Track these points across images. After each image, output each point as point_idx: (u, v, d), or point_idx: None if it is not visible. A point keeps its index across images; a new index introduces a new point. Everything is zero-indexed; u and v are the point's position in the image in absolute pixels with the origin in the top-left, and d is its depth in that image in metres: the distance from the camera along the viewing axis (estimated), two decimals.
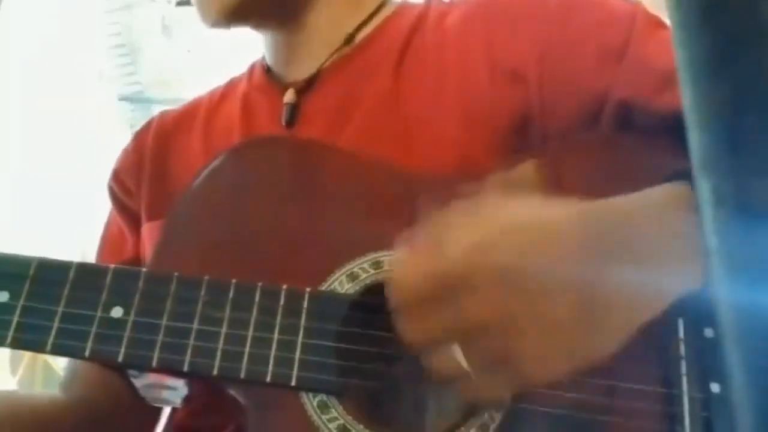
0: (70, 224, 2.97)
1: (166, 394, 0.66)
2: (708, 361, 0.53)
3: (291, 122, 0.71)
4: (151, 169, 0.77)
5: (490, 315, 0.42)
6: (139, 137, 0.81)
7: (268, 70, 0.78)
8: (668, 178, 0.51)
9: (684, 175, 0.49)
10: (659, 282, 0.46)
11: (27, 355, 2.61)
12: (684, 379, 0.53)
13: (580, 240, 0.44)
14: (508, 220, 0.45)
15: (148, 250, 0.73)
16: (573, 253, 0.44)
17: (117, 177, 0.80)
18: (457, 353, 0.43)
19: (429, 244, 0.44)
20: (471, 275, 0.42)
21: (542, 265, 0.43)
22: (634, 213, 0.48)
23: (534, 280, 0.42)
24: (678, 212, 0.47)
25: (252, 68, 0.81)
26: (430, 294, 0.43)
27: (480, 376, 0.42)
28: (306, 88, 0.72)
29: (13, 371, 2.59)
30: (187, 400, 0.64)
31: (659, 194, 0.50)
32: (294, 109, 0.71)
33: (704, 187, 0.21)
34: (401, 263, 0.45)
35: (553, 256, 0.43)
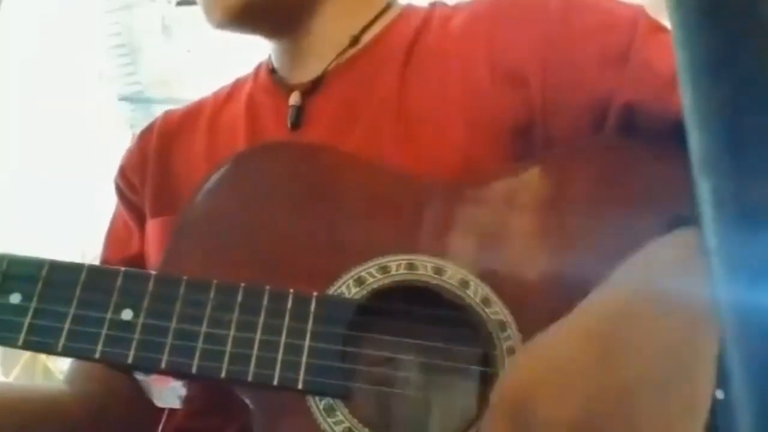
0: (70, 224, 2.97)
1: (165, 393, 0.66)
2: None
3: (296, 124, 0.71)
4: (155, 168, 0.77)
5: (579, 413, 0.41)
6: (144, 136, 0.81)
7: (273, 71, 0.78)
8: (671, 224, 0.51)
9: (688, 219, 0.49)
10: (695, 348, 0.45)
11: (24, 357, 2.61)
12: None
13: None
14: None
15: (151, 246, 0.73)
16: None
17: (123, 174, 0.81)
18: None
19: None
20: (531, 391, 0.42)
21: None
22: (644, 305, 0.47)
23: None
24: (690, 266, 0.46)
25: (258, 69, 0.81)
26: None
27: None
28: (311, 90, 0.72)
29: (6, 373, 2.59)
30: (185, 400, 0.65)
31: (669, 259, 0.49)
32: (299, 111, 0.71)
33: (704, 187, 0.21)
34: None
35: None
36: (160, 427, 0.68)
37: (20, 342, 0.54)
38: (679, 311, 0.44)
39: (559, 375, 0.42)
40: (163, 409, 0.67)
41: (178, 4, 3.18)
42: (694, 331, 0.44)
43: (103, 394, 0.73)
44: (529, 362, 0.45)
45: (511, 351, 0.55)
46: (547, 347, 0.45)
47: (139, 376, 0.66)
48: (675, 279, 0.46)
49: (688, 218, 0.50)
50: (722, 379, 0.53)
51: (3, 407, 0.67)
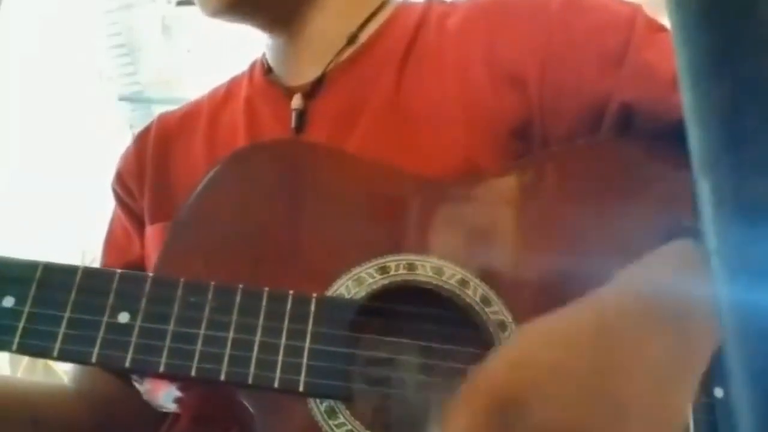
0: (70, 224, 2.97)
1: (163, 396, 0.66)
2: (711, 367, 0.53)
3: (299, 128, 0.71)
4: (153, 173, 0.76)
5: (565, 417, 0.41)
6: (141, 139, 0.81)
7: (269, 71, 0.78)
8: (671, 230, 0.51)
9: (688, 229, 0.49)
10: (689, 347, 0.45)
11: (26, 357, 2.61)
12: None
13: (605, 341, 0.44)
14: (537, 337, 0.45)
15: (151, 253, 0.73)
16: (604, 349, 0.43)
17: (120, 179, 0.80)
18: None
19: (467, 386, 0.43)
20: (522, 392, 0.41)
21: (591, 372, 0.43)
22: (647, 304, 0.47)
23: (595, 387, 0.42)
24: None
25: (252, 67, 0.80)
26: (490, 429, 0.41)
27: None
28: (312, 92, 0.72)
29: (14, 371, 2.59)
30: (183, 406, 0.64)
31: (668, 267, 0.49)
32: (301, 114, 0.71)
33: (704, 186, 0.21)
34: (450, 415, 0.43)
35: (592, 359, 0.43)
36: None
37: (14, 346, 0.53)
38: (672, 324, 0.44)
39: (552, 379, 0.42)
40: (165, 416, 0.66)
41: (178, 4, 3.17)
42: (685, 346, 0.44)
43: (108, 394, 0.73)
44: (523, 359, 0.44)
45: None
46: (542, 345, 0.44)
47: (137, 381, 0.66)
48: (671, 291, 0.46)
49: (687, 227, 0.50)
50: (722, 379, 0.53)
51: (12, 401, 0.66)
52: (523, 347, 0.45)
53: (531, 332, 0.45)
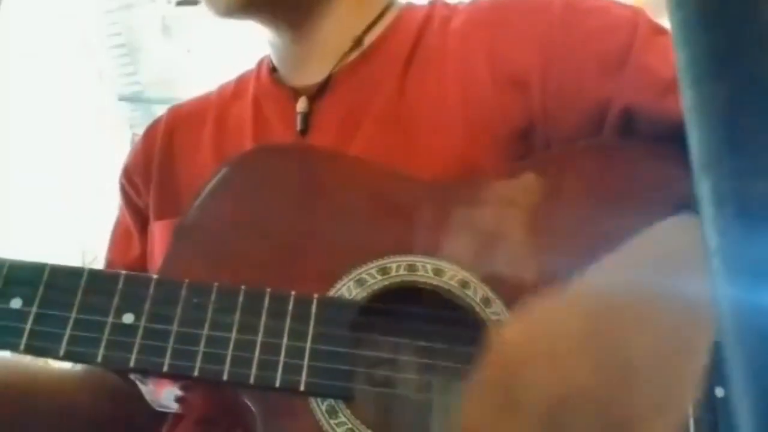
0: (70, 224, 2.97)
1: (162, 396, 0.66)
2: (712, 366, 0.53)
3: (305, 130, 0.71)
4: (160, 168, 0.77)
5: (570, 388, 0.42)
6: (150, 133, 0.81)
7: (274, 70, 0.78)
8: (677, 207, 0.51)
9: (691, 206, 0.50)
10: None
11: None
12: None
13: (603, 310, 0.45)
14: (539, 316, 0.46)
15: (156, 248, 0.73)
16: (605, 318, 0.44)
17: (126, 174, 0.80)
18: None
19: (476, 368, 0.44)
20: (525, 363, 0.43)
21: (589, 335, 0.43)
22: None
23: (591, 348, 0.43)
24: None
25: (260, 65, 0.81)
26: (500, 404, 0.43)
27: None
28: (317, 94, 0.72)
29: None
30: (185, 406, 0.64)
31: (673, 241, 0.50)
32: (306, 117, 0.71)
33: (704, 187, 0.21)
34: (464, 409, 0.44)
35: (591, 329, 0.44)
36: None
37: (22, 347, 0.53)
38: (677, 299, 0.45)
39: (556, 350, 0.43)
40: (165, 416, 0.66)
41: (178, 4, 3.17)
42: (690, 322, 0.44)
43: (117, 384, 0.73)
44: (526, 333, 0.45)
45: None
46: (546, 320, 0.45)
47: (141, 381, 0.66)
48: (677, 265, 0.47)
49: (691, 205, 0.50)
50: (722, 379, 0.53)
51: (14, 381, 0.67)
52: (525, 325, 0.46)
53: (534, 309, 0.46)
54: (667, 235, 0.50)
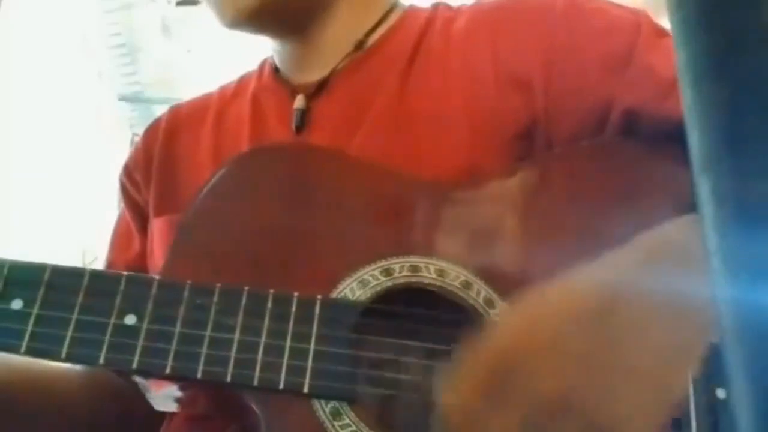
0: (70, 224, 2.97)
1: (161, 396, 0.66)
2: (713, 368, 0.53)
3: (300, 128, 0.71)
4: (160, 165, 0.77)
5: (561, 388, 0.42)
6: (151, 131, 0.81)
7: (276, 70, 0.78)
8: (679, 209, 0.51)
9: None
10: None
11: None
12: (690, 385, 0.53)
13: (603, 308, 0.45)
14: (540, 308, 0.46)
15: (156, 246, 0.73)
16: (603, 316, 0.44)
17: (127, 171, 0.80)
18: None
19: (467, 348, 0.44)
20: (523, 356, 0.43)
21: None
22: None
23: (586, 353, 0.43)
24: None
25: (262, 66, 0.81)
26: (489, 391, 0.43)
27: None
28: (315, 92, 0.72)
29: None
30: (184, 404, 0.64)
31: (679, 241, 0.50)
32: (304, 114, 0.71)
33: (704, 187, 0.21)
34: (449, 376, 0.44)
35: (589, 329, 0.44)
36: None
37: (23, 349, 0.53)
38: (677, 299, 0.45)
39: (552, 349, 0.43)
40: (162, 415, 0.66)
41: (178, 4, 3.17)
42: (687, 322, 0.45)
43: (108, 386, 0.73)
44: (525, 328, 0.45)
45: None
46: (547, 314, 0.45)
47: (139, 380, 0.66)
48: (680, 265, 0.47)
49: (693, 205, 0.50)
50: (724, 380, 0.53)
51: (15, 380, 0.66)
52: (526, 317, 0.46)
53: (535, 301, 0.46)
54: (669, 235, 0.50)
